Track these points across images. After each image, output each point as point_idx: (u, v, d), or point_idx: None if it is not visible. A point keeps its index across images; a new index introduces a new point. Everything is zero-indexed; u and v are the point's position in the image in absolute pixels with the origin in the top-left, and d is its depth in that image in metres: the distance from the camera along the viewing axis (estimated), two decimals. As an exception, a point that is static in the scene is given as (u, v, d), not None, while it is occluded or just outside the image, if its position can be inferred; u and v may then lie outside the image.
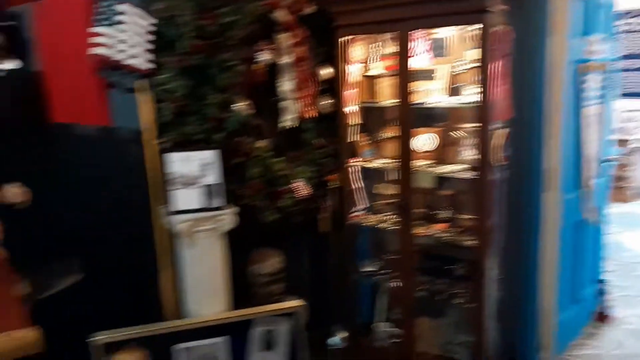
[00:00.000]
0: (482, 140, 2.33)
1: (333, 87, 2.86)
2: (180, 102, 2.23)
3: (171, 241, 2.44)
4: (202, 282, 2.48)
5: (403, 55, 2.43)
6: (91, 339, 2.23)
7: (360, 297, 3.11)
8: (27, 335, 1.87)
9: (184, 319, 2.48)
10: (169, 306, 2.54)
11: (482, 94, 2.28)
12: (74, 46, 2.45)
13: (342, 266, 3.02)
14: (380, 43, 2.81)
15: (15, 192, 2.78)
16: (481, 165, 2.36)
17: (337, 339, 3.11)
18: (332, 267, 3.11)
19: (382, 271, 3.00)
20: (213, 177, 2.37)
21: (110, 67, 2.32)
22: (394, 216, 2.76)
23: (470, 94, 2.46)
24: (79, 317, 2.76)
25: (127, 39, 2.14)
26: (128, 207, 2.50)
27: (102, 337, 2.28)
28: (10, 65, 2.86)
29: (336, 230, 3.04)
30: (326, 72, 2.71)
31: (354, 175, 2.89)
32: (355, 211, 2.93)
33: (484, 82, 2.27)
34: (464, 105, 2.52)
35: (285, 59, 2.55)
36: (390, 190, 2.91)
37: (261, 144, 2.68)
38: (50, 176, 2.84)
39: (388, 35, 2.71)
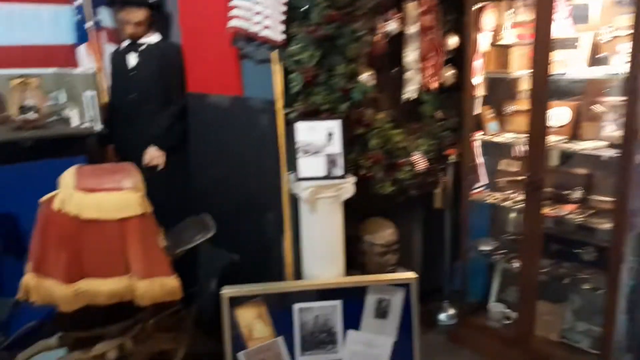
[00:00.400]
0: (629, 115, 2.13)
1: (457, 57, 2.77)
2: (310, 73, 2.30)
3: (295, 205, 2.55)
4: (321, 246, 2.56)
5: (542, 21, 2.27)
6: (221, 292, 2.43)
7: (473, 275, 3.04)
8: (170, 283, 2.08)
9: (302, 281, 2.59)
10: (288, 267, 2.67)
11: (632, 64, 2.08)
12: (211, 19, 2.61)
13: (456, 243, 2.97)
14: (514, 10, 2.65)
15: (155, 155, 3.08)
16: (625, 143, 2.16)
17: (446, 315, 3.10)
18: (445, 243, 3.07)
19: (500, 251, 2.90)
20: (336, 146, 2.42)
21: (246, 39, 2.44)
22: (518, 194, 2.64)
23: (616, 65, 2.25)
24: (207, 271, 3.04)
25: (263, 10, 2.23)
26: (260, 170, 2.64)
27: (228, 290, 2.46)
28: (154, 38, 3.13)
29: (452, 206, 2.98)
30: (452, 41, 2.63)
31: (475, 150, 2.80)
32: (475, 188, 2.85)
33: (635, 51, 2.06)
34: (608, 76, 2.31)
35: (412, 28, 2.51)
36: (515, 166, 2.78)
37: (381, 115, 2.69)
38: (188, 142, 3.10)
39: (522, 2, 2.54)
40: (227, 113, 2.78)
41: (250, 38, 2.35)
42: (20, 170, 2.64)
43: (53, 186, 2.03)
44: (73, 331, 2.20)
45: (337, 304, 2.55)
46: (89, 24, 3.17)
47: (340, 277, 2.59)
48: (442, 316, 3.11)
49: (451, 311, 3.09)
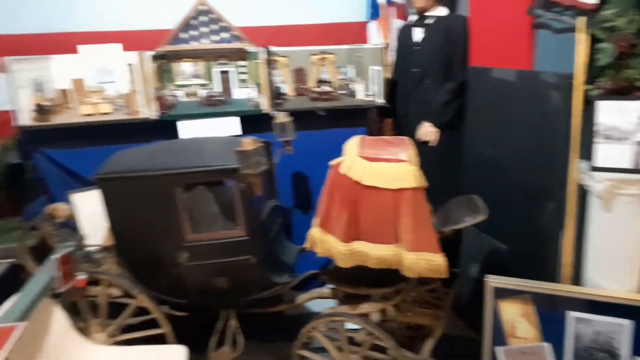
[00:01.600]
0: None
1: None
2: (627, 42, 1.90)
3: (582, 199, 2.20)
4: (611, 252, 2.16)
5: None
6: (486, 279, 2.29)
7: None
8: (436, 260, 2.06)
9: (583, 287, 2.25)
10: (565, 269, 2.35)
11: None
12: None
13: None
14: None
15: (429, 131, 3.08)
16: None
17: None
18: None
19: None
20: (651, 134, 1.97)
21: (545, 6, 2.18)
22: None
23: None
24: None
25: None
26: (543, 155, 2.38)
27: (494, 280, 2.30)
28: (441, 12, 3.09)
29: None
30: None
31: None
32: None
33: None
34: None
35: None
36: None
37: None
38: (464, 119, 3.00)
39: None
40: (511, 88, 2.56)
41: (552, 4, 2.07)
42: (314, 136, 2.99)
43: (338, 152, 2.20)
44: (344, 286, 2.40)
45: (626, 323, 2.13)
46: (381, 1, 3.33)
47: (635, 293, 2.15)
48: None
49: None
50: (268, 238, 2.54)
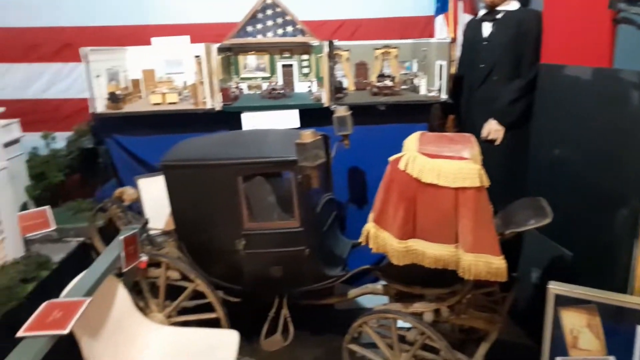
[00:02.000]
0: None
1: None
2: None
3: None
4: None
5: None
6: (548, 286, 2.19)
7: None
8: (496, 263, 1.98)
9: (658, 302, 2.09)
10: (638, 280, 2.20)
11: None
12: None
13: None
14: None
15: (494, 129, 2.97)
16: None
17: None
18: None
19: None
20: None
21: (629, 0, 2.03)
22: None
23: None
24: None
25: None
26: (618, 158, 2.23)
27: (556, 287, 2.19)
28: (513, 6, 2.97)
29: None
30: None
31: None
32: None
33: None
34: None
35: None
36: None
37: None
38: (532, 118, 2.87)
39: None
40: (586, 87, 2.41)
41: None
42: (373, 131, 2.96)
43: (398, 149, 2.15)
44: (397, 284, 2.37)
45: None
46: (450, -5, 3.24)
47: None
48: None
49: None
50: (322, 231, 2.55)
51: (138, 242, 2.16)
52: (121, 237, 2.04)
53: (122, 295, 2.07)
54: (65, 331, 1.55)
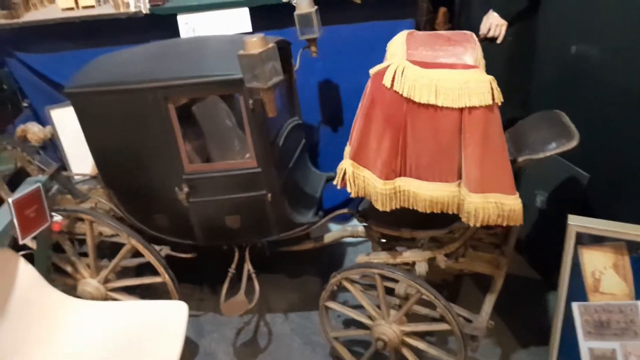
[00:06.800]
0: None
1: None
2: None
3: None
4: None
5: None
6: (569, 222, 1.78)
7: None
8: (510, 204, 1.55)
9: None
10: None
11: None
12: None
13: None
14: None
15: (495, 23, 2.44)
16: None
17: None
18: None
19: None
20: None
21: None
22: None
23: None
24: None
25: None
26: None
27: (577, 223, 1.79)
28: None
29: None
30: None
31: None
32: None
33: None
34: None
35: None
36: None
37: None
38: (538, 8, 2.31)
39: None
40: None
41: None
42: (346, 32, 2.44)
43: (379, 54, 1.68)
44: (381, 226, 1.94)
45: None
46: None
47: None
48: None
49: None
50: (287, 168, 2.04)
51: (43, 200, 1.63)
52: (11, 199, 1.50)
53: (25, 272, 1.58)
54: None
